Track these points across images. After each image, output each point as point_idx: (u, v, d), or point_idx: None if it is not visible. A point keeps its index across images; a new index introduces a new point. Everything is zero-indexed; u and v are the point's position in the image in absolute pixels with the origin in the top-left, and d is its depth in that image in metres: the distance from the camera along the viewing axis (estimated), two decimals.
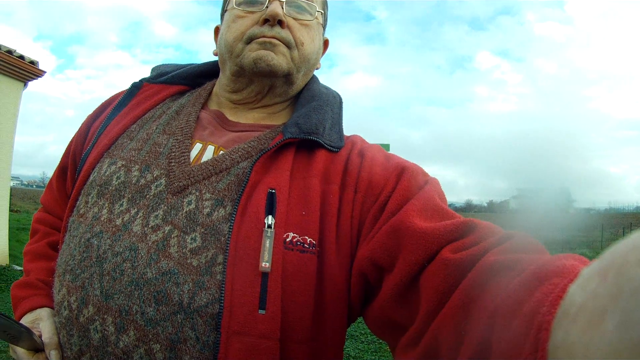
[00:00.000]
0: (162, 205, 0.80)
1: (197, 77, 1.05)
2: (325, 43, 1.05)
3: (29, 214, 24.70)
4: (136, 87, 1.01)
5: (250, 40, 0.88)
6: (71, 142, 1.07)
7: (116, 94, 1.06)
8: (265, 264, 0.73)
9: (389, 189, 0.80)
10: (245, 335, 0.70)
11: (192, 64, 1.07)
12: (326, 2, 1.01)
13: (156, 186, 0.83)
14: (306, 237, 0.77)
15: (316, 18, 0.95)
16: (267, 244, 0.74)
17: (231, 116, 0.96)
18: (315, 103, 0.94)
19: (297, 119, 0.89)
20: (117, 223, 0.80)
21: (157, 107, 0.98)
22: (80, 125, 1.07)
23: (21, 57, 8.86)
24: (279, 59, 0.88)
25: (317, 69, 1.03)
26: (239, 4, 0.91)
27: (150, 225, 0.78)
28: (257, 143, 0.87)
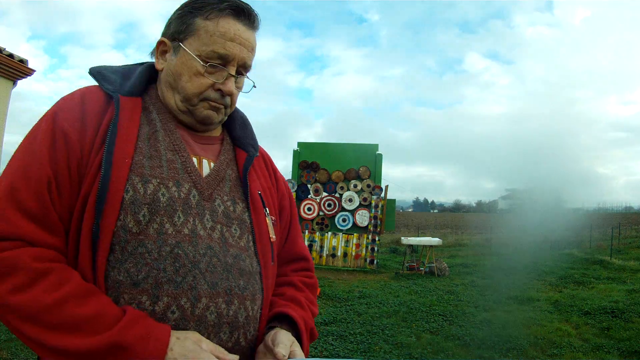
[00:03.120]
0: (206, 211, 1.09)
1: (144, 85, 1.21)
2: None
3: None
4: (118, 101, 1.09)
5: (204, 99, 1.15)
6: (51, 157, 0.99)
7: (80, 96, 1.09)
8: (273, 237, 1.22)
9: (289, 218, 1.38)
10: (267, 278, 1.18)
11: (131, 69, 1.21)
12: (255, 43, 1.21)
13: (193, 196, 1.09)
14: (273, 217, 1.27)
15: (249, 79, 1.23)
16: (271, 225, 1.22)
17: (191, 131, 1.22)
18: (249, 126, 1.34)
19: (250, 140, 1.30)
20: (186, 232, 1.03)
21: (141, 124, 1.12)
22: (52, 136, 1.01)
23: (10, 55, 8.78)
24: (220, 117, 1.20)
25: None
26: (201, 60, 1.12)
27: (207, 228, 1.07)
28: (227, 155, 1.24)
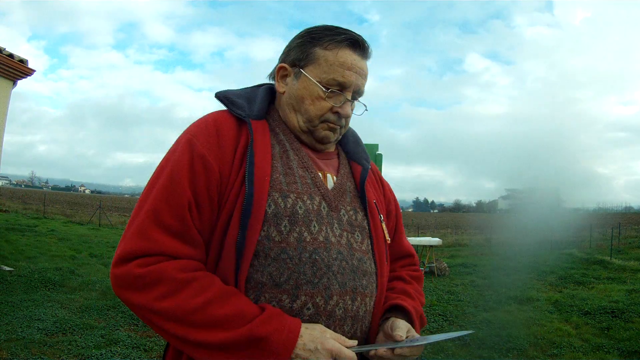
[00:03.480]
0: (334, 221, 1.24)
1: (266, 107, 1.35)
2: None
3: (17, 214, 24.46)
4: (250, 125, 1.24)
5: (324, 121, 1.28)
6: (190, 180, 1.13)
7: (214, 122, 1.22)
8: (389, 239, 1.38)
9: (394, 221, 1.53)
10: (382, 277, 1.32)
11: (253, 92, 1.36)
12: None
13: (323, 208, 1.23)
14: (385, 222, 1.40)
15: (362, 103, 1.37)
16: (385, 229, 1.37)
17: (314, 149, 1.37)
18: (361, 142, 1.49)
19: (364, 155, 1.44)
20: (321, 239, 1.18)
21: (273, 144, 1.27)
22: (191, 161, 1.14)
23: (10, 55, 8.78)
24: (335, 136, 1.33)
25: None
26: (323, 86, 1.26)
27: (337, 235, 1.22)
28: (345, 169, 1.39)
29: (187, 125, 1.24)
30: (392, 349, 1.15)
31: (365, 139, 1.54)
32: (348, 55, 1.26)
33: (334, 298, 1.16)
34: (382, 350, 1.15)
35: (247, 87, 1.38)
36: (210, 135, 1.19)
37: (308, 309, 1.14)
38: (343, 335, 1.16)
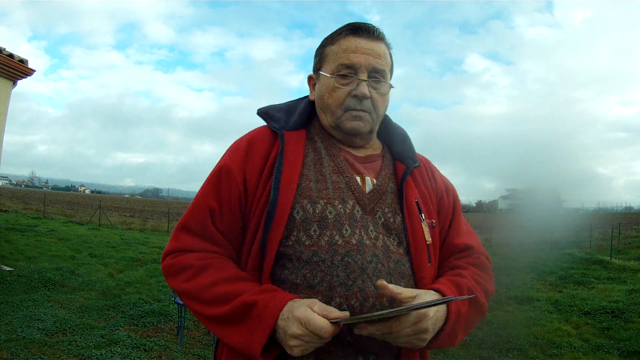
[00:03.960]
0: (369, 224, 1.25)
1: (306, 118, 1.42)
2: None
3: (17, 214, 24.47)
4: (282, 136, 1.32)
5: (347, 110, 1.30)
6: (215, 192, 1.28)
7: (248, 139, 1.35)
8: (429, 240, 1.30)
9: (449, 216, 1.46)
10: (423, 279, 1.27)
11: (295, 104, 1.44)
12: (392, 64, 1.38)
13: (357, 211, 1.25)
14: (432, 220, 1.35)
15: (388, 84, 1.35)
16: (427, 229, 1.31)
17: (354, 151, 1.38)
18: (408, 140, 1.46)
19: (409, 153, 1.42)
20: (354, 242, 1.21)
21: (306, 153, 1.33)
22: (219, 175, 1.29)
23: (10, 55, 8.78)
24: (365, 125, 1.32)
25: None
26: (333, 75, 1.30)
27: (372, 238, 1.23)
28: (387, 170, 1.37)
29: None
30: (371, 321, 1.10)
31: None
32: (351, 41, 1.31)
33: (369, 300, 1.17)
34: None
35: (293, 100, 1.47)
36: (239, 150, 1.32)
37: (343, 309, 1.15)
38: None
